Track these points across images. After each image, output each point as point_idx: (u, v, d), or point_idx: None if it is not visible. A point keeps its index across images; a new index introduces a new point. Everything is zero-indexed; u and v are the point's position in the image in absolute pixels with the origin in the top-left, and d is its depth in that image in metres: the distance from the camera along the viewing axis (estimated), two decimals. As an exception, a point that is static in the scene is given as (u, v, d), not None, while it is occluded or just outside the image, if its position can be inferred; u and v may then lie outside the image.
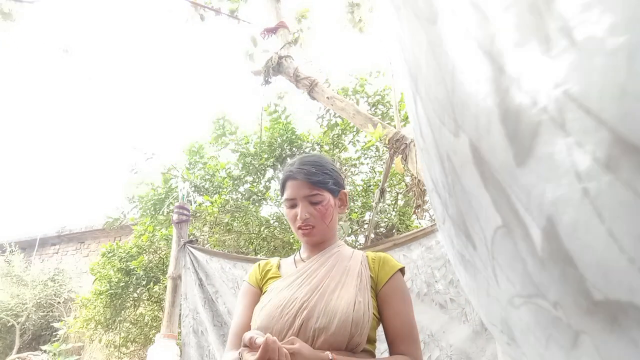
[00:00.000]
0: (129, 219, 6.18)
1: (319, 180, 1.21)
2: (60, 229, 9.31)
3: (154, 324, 5.53)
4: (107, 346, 5.97)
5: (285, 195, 1.25)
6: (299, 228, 1.22)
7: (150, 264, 5.35)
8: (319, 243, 1.25)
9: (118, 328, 5.68)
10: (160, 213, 5.42)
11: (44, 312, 7.95)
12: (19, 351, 7.48)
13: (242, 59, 4.35)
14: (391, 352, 1.12)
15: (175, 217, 3.00)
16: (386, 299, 1.16)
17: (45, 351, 6.64)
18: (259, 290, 1.26)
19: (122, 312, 5.60)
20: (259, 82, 3.87)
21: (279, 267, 1.29)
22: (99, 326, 5.64)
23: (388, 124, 4.46)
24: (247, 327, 1.16)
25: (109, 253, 5.58)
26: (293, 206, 1.23)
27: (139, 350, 5.93)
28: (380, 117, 5.66)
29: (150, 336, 5.51)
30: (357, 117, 4.40)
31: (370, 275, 1.19)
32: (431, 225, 2.19)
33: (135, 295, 5.53)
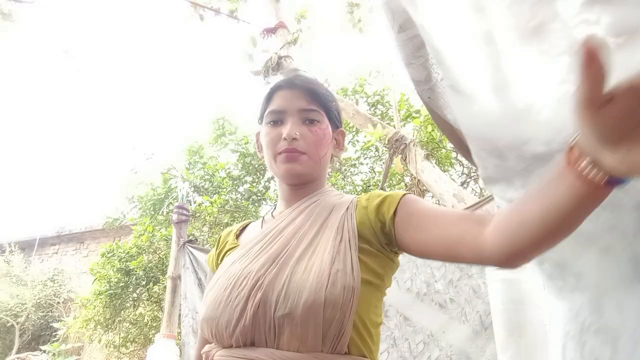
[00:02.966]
0: (128, 219, 6.18)
1: (320, 93, 0.91)
2: (60, 229, 9.30)
3: (154, 324, 5.53)
4: (106, 346, 5.96)
5: (270, 107, 0.91)
6: (281, 152, 0.86)
7: (150, 264, 5.35)
8: (302, 185, 0.91)
9: (117, 328, 5.67)
10: (160, 213, 5.42)
11: (43, 312, 7.94)
12: (18, 351, 7.47)
13: (242, 59, 4.36)
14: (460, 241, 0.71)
15: (174, 217, 3.00)
16: (410, 222, 0.78)
17: (44, 351, 6.63)
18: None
19: (122, 312, 5.59)
20: (258, 82, 3.87)
21: (241, 232, 0.97)
22: (99, 326, 5.63)
23: (387, 124, 4.46)
24: None
25: (108, 253, 5.58)
26: (278, 122, 0.89)
27: (138, 351, 5.93)
28: (379, 117, 5.65)
29: (150, 336, 5.51)
30: (356, 117, 4.40)
31: (368, 219, 0.82)
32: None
33: (135, 295, 5.53)
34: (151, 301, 5.54)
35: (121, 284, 5.32)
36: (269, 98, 0.93)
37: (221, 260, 0.92)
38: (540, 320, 1.38)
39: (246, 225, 0.99)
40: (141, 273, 5.27)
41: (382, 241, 0.81)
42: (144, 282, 5.31)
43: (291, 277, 0.73)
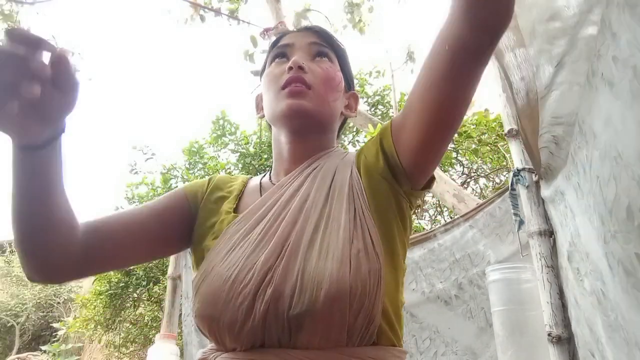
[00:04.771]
0: (128, 219, 6.16)
1: (334, 37, 0.83)
2: (60, 229, 9.30)
3: (154, 324, 5.53)
4: (106, 346, 5.97)
5: (276, 45, 0.82)
6: (285, 86, 0.74)
7: (150, 264, 5.35)
8: (306, 134, 0.77)
9: (118, 328, 5.67)
10: (160, 213, 5.41)
11: (43, 312, 7.95)
12: (18, 351, 7.47)
13: (242, 59, 4.36)
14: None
15: (175, 217, 3.00)
16: (402, 124, 0.68)
17: (45, 351, 6.63)
18: (188, 210, 0.78)
19: (122, 312, 5.60)
20: (258, 82, 3.87)
21: (241, 192, 0.79)
22: (99, 326, 5.64)
23: (388, 124, 4.46)
24: (122, 224, 0.73)
25: (108, 253, 5.57)
26: (283, 58, 0.79)
27: (138, 351, 5.93)
28: (380, 117, 5.66)
29: (150, 336, 5.51)
30: (356, 117, 4.40)
31: (373, 167, 0.71)
32: (432, 230, 2.21)
33: (135, 295, 5.53)
34: (151, 301, 5.54)
35: (121, 284, 5.33)
36: (275, 42, 0.83)
37: (210, 209, 0.76)
38: (540, 320, 1.38)
39: (245, 185, 0.80)
40: (141, 273, 5.28)
41: (395, 187, 0.69)
42: (144, 282, 5.31)
43: (305, 266, 0.61)
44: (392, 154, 0.69)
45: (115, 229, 0.72)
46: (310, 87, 0.74)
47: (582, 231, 0.96)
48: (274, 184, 0.76)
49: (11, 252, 8.61)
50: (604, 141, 0.72)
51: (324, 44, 0.80)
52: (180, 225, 0.77)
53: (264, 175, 0.82)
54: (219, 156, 5.86)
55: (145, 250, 0.77)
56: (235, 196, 0.78)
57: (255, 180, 0.82)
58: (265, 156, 5.07)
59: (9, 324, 7.77)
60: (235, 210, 0.75)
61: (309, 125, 0.76)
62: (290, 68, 0.74)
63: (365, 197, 0.68)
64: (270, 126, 0.84)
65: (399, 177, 0.69)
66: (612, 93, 0.62)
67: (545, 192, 1.46)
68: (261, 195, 0.75)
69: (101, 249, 0.70)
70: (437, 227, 2.23)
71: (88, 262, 0.69)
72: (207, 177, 0.84)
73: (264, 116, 0.83)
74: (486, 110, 4.44)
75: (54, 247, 0.65)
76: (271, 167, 0.84)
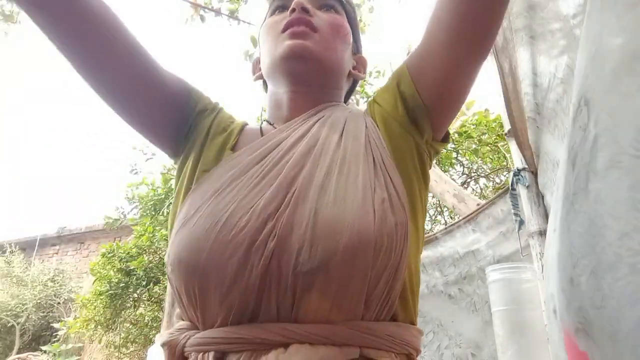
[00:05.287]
0: (128, 220, 6.18)
1: None
2: (60, 230, 9.30)
3: (154, 325, 5.53)
4: (107, 346, 5.96)
5: None
6: (286, 28, 0.65)
7: (151, 265, 5.35)
8: (310, 82, 0.66)
9: (118, 328, 5.67)
10: (161, 213, 5.42)
11: (44, 312, 7.94)
12: (19, 352, 7.47)
13: (242, 59, 4.36)
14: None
15: (175, 217, 3.00)
16: (417, 53, 0.63)
17: (45, 352, 6.63)
18: (185, 109, 0.66)
19: (122, 312, 5.59)
20: (258, 82, 3.87)
21: (240, 131, 0.67)
22: (99, 327, 5.63)
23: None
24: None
25: (109, 253, 5.58)
26: (286, 8, 0.69)
27: (138, 351, 5.92)
28: (380, 117, 5.65)
29: (150, 337, 5.50)
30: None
31: (388, 113, 0.63)
32: (434, 233, 2.21)
33: (135, 295, 5.53)
34: (152, 301, 5.54)
35: (122, 285, 5.32)
36: None
37: (208, 132, 0.65)
38: (540, 320, 1.38)
39: (243, 127, 0.68)
40: (142, 273, 5.27)
41: (415, 137, 0.61)
42: (144, 283, 5.31)
43: (317, 214, 0.49)
44: (413, 94, 0.61)
45: (120, 33, 0.60)
46: (315, 29, 0.64)
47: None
48: (275, 127, 0.65)
49: (11, 252, 8.61)
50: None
51: None
52: (175, 111, 0.65)
53: (261, 123, 0.70)
54: (219, 156, 5.86)
55: (123, 74, 0.61)
56: (237, 132, 0.66)
57: (253, 125, 0.70)
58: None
59: (9, 324, 7.77)
60: (234, 149, 0.63)
61: (313, 71, 0.65)
62: (293, 10, 0.64)
63: (385, 146, 0.59)
64: (266, 87, 0.74)
65: (421, 122, 0.61)
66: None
67: (541, 179, 1.45)
68: (262, 134, 0.65)
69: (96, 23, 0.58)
70: (438, 229, 2.24)
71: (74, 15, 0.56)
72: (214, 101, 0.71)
73: (261, 77, 0.74)
74: (486, 110, 4.44)
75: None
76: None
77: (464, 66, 0.59)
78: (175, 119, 0.65)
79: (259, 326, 0.47)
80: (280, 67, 0.65)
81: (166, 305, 2.83)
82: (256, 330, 0.47)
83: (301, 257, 0.47)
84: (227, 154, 0.61)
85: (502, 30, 1.33)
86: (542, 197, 1.53)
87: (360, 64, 0.77)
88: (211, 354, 0.47)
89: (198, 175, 0.60)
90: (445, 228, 2.14)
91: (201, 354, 0.48)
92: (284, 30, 0.64)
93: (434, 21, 0.60)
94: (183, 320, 0.55)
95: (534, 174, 1.56)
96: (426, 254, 2.17)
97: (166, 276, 3.47)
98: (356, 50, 0.76)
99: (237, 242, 0.48)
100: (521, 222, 1.58)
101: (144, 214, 5.63)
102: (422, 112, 0.61)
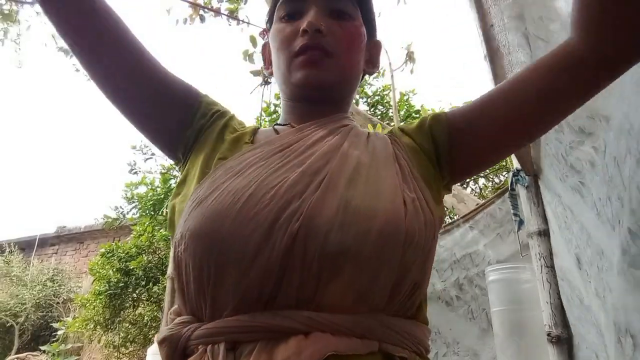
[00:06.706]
0: (128, 219, 6.18)
1: None
2: (59, 229, 9.29)
3: (153, 325, 5.52)
4: (106, 346, 5.96)
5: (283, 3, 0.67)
6: (298, 54, 0.62)
7: (150, 264, 5.35)
8: (323, 102, 0.65)
9: (117, 328, 5.67)
10: (160, 213, 5.42)
11: (43, 312, 7.94)
12: (18, 351, 7.46)
13: (241, 59, 4.35)
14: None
15: (174, 217, 3.00)
16: (464, 116, 0.61)
17: (44, 351, 6.63)
18: (192, 112, 0.64)
19: (121, 312, 5.59)
20: (258, 83, 3.87)
21: (253, 134, 0.65)
22: (98, 326, 5.63)
23: (387, 124, 4.47)
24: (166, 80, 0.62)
25: (108, 253, 5.58)
26: (295, 15, 0.65)
27: (138, 351, 5.92)
28: (379, 117, 5.65)
29: (150, 336, 5.50)
30: (356, 117, 4.39)
31: (418, 146, 0.62)
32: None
33: (135, 295, 5.53)
34: (151, 301, 5.53)
35: (121, 284, 5.32)
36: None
37: (221, 134, 0.63)
38: (540, 320, 1.38)
39: (255, 131, 0.67)
40: (141, 273, 5.27)
41: (437, 170, 0.61)
42: (143, 283, 5.30)
43: (348, 200, 0.48)
44: (444, 145, 0.61)
45: (128, 41, 0.60)
46: (329, 54, 0.62)
47: (591, 231, 0.95)
48: (293, 126, 0.63)
49: (10, 252, 8.61)
50: (618, 118, 0.69)
51: None
52: (171, 109, 0.63)
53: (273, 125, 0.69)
54: (218, 156, 5.86)
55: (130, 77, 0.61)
56: (251, 132, 0.65)
57: (266, 129, 0.69)
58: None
59: (8, 324, 7.76)
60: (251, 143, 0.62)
61: (328, 96, 0.65)
62: (305, 31, 0.61)
63: (413, 163, 0.59)
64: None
65: (442, 166, 0.62)
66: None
67: (544, 192, 1.46)
68: (277, 132, 0.64)
69: (106, 29, 0.59)
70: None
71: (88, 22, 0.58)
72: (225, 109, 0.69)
73: (272, 73, 0.71)
74: (486, 110, 4.42)
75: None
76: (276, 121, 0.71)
77: (506, 150, 0.63)
78: (184, 122, 0.64)
79: (276, 313, 0.45)
80: (294, 92, 0.65)
81: (165, 305, 2.83)
82: (274, 318, 0.44)
83: (331, 237, 0.45)
84: (244, 146, 0.60)
85: (496, 34, 1.33)
86: (542, 197, 1.53)
87: (375, 51, 0.73)
88: (222, 345, 0.44)
89: (215, 162, 0.57)
90: (444, 227, 2.14)
91: (210, 345, 0.45)
92: (297, 55, 0.62)
93: (502, 101, 0.58)
94: (182, 315, 0.52)
95: (534, 175, 1.56)
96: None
97: (165, 276, 3.46)
98: (370, 35, 0.71)
99: (260, 219, 0.46)
100: (521, 223, 1.58)
101: (143, 213, 5.63)
102: (446, 163, 0.61)
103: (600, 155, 0.83)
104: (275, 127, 0.67)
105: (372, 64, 0.72)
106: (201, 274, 0.47)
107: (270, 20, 0.70)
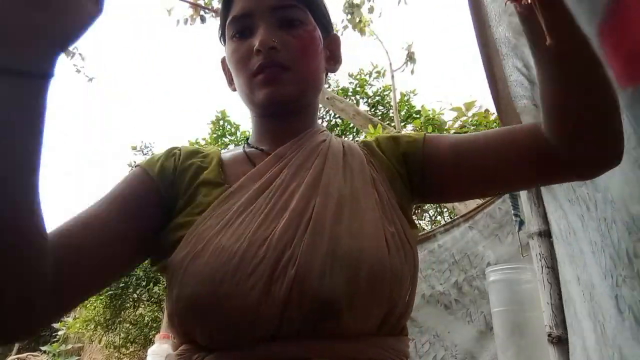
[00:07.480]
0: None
1: None
2: (60, 230, 9.31)
3: (154, 325, 5.53)
4: (106, 347, 5.97)
5: (232, 13, 0.65)
6: (257, 73, 0.62)
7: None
8: (289, 116, 0.66)
9: (118, 329, 5.67)
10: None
11: (43, 312, 7.94)
12: (18, 352, 7.47)
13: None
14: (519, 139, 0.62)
15: (175, 217, 3.00)
16: (440, 152, 0.64)
17: (44, 352, 6.63)
18: (157, 193, 0.60)
19: (122, 312, 5.60)
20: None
21: (220, 165, 0.64)
22: (99, 327, 5.64)
23: (388, 124, 4.48)
24: (92, 227, 0.54)
25: (108, 254, 5.58)
26: (245, 32, 0.64)
27: (138, 351, 5.93)
28: (380, 117, 5.66)
29: (150, 337, 5.50)
30: (357, 117, 4.40)
31: (391, 164, 0.66)
32: (433, 230, 2.20)
33: (135, 295, 5.53)
34: (151, 302, 5.54)
35: (121, 285, 5.33)
36: (227, 3, 0.67)
37: (189, 187, 0.61)
38: (540, 321, 1.38)
39: (219, 155, 0.67)
40: (141, 273, 5.28)
41: (407, 190, 0.65)
42: (144, 283, 5.31)
43: (336, 243, 0.51)
44: (416, 174, 0.65)
45: (86, 239, 0.53)
46: (287, 68, 0.62)
47: (587, 261, 0.95)
48: (267, 154, 0.64)
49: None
50: (602, 185, 0.72)
51: (287, 2, 0.64)
52: (155, 212, 0.60)
53: (242, 146, 0.70)
54: (219, 156, 5.87)
55: (128, 256, 0.58)
56: (217, 164, 0.64)
57: (232, 152, 0.69)
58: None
59: (9, 325, 7.77)
60: (225, 182, 0.61)
61: (293, 109, 0.65)
62: (259, 50, 0.61)
63: (388, 185, 0.63)
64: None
65: (413, 190, 0.66)
66: None
67: (544, 192, 1.46)
68: (254, 165, 0.62)
69: (77, 266, 0.51)
70: (437, 227, 2.23)
71: (63, 291, 0.49)
72: (164, 149, 0.67)
73: (236, 89, 0.70)
74: (486, 110, 4.44)
75: (27, 269, 0.44)
76: (247, 138, 0.72)
77: (472, 196, 0.71)
78: (163, 203, 0.61)
79: (281, 345, 0.49)
80: (260, 110, 0.66)
81: (166, 305, 2.82)
82: (279, 350, 0.49)
83: (325, 282, 0.49)
84: (220, 190, 0.59)
85: (494, 34, 1.33)
86: (542, 197, 1.52)
87: (333, 46, 0.73)
88: None
89: (194, 218, 0.56)
90: (444, 226, 2.14)
91: None
92: (255, 75, 0.62)
93: (491, 148, 0.63)
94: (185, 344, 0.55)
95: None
96: (421, 254, 2.16)
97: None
98: (325, 32, 0.70)
99: (258, 274, 0.49)
100: (521, 223, 1.58)
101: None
102: (417, 186, 0.66)
103: (591, 205, 0.84)
104: (247, 150, 0.67)
105: (333, 61, 0.73)
106: (203, 326, 0.51)
107: (222, 36, 0.70)
